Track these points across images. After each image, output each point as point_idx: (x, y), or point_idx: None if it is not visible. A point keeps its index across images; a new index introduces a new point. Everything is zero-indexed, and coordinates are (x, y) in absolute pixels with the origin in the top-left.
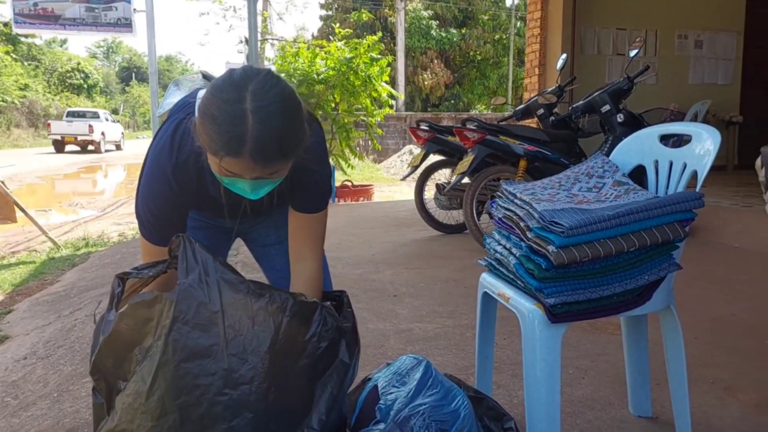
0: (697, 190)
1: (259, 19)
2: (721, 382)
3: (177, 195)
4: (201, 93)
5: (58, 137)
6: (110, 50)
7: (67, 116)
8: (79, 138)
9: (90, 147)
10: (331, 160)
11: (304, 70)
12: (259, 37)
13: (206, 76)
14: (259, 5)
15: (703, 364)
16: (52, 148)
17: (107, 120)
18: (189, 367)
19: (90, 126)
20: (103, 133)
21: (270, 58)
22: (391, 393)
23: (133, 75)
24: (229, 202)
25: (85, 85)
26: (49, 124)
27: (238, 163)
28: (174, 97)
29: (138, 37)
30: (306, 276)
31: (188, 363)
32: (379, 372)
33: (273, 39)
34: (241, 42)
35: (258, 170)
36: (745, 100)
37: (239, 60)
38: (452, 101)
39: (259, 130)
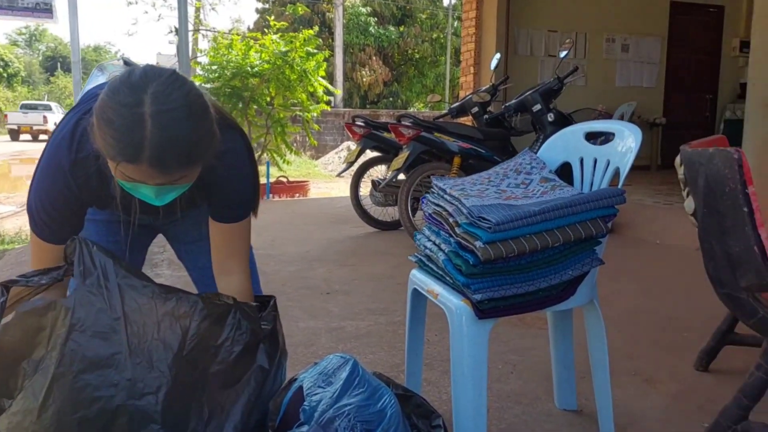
0: (620, 186)
1: (192, 9)
2: (642, 374)
3: (75, 194)
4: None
5: (15, 127)
6: (33, 38)
7: (21, 108)
8: (34, 128)
9: (42, 136)
10: (265, 155)
11: (238, 62)
12: (191, 28)
13: (128, 63)
14: None
15: (625, 357)
16: (8, 137)
17: (60, 112)
18: (88, 379)
19: (44, 117)
20: (56, 123)
21: (202, 50)
22: (316, 394)
23: (59, 65)
24: (141, 204)
25: (5, 74)
26: (6, 116)
27: (137, 170)
28: (96, 83)
29: (61, 25)
30: (233, 291)
31: (87, 374)
32: (305, 372)
33: (206, 30)
34: (171, 32)
35: (159, 177)
36: (668, 102)
37: (170, 51)
38: (390, 99)
39: (158, 136)
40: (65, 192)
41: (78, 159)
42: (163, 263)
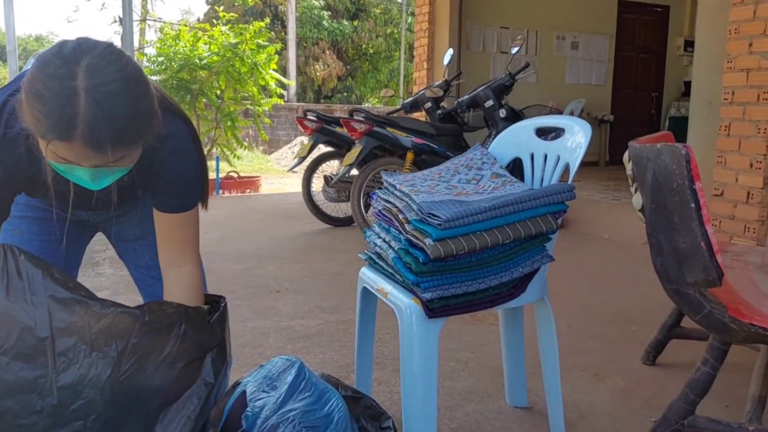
0: (570, 182)
1: None
2: (591, 369)
3: (2, 177)
4: None
5: None
6: None
7: None
8: None
9: None
10: (215, 150)
11: (186, 54)
12: (137, 18)
13: None
14: None
15: (575, 352)
16: None
17: None
18: (7, 405)
19: None
20: None
21: (149, 41)
22: (259, 399)
23: None
24: (76, 191)
25: None
26: None
27: (70, 149)
28: None
29: None
30: (184, 282)
31: (7, 400)
32: (249, 376)
33: (152, 20)
34: (115, 22)
35: (95, 157)
36: (615, 100)
37: (115, 41)
38: (345, 93)
39: (92, 112)
40: None
41: (5, 139)
42: (105, 262)
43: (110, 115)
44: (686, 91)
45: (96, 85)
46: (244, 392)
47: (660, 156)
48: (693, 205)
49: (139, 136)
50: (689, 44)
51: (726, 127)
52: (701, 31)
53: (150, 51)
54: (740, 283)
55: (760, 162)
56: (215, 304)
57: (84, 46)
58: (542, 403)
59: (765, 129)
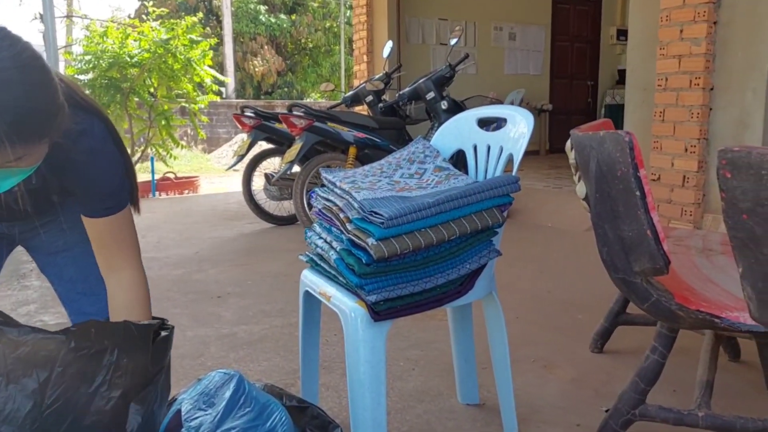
0: (514, 173)
1: None
2: (541, 360)
3: None
4: None
5: None
6: None
7: None
8: None
9: None
10: (149, 150)
11: (115, 51)
12: (61, 14)
13: None
14: None
15: (524, 343)
16: None
17: None
18: None
19: None
20: None
21: (76, 39)
22: (196, 418)
23: None
24: None
25: None
26: None
27: None
28: None
29: None
30: (125, 286)
31: None
32: (185, 392)
33: (78, 17)
34: (36, 19)
35: None
36: (553, 89)
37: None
38: (285, 89)
39: None
40: None
41: None
42: (32, 273)
43: (4, 106)
44: (620, 79)
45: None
46: (179, 411)
47: (603, 144)
48: (638, 193)
49: (41, 131)
50: (622, 33)
51: (660, 112)
52: (634, 19)
53: (77, 49)
54: (684, 268)
55: (695, 146)
56: (161, 326)
57: None
58: (494, 399)
59: (698, 114)
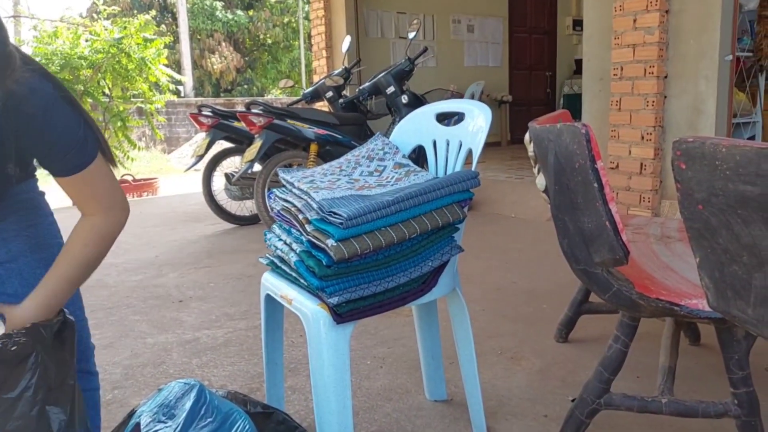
0: (473, 168)
1: None
2: (507, 352)
3: None
4: None
5: None
6: None
7: None
8: None
9: None
10: None
11: (66, 52)
12: (6, 14)
13: None
14: None
15: (491, 335)
16: None
17: None
18: None
19: None
20: None
21: (24, 40)
22: (156, 430)
23: None
24: None
25: None
26: None
27: None
28: None
29: None
30: (87, 227)
31: None
32: (144, 405)
33: (25, 17)
34: None
35: None
36: (512, 80)
37: None
38: (245, 86)
39: None
40: None
41: None
42: None
43: None
44: (577, 69)
45: None
46: (138, 424)
47: (561, 137)
48: (596, 184)
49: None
50: (578, 23)
51: (617, 101)
52: (588, 9)
53: (26, 50)
54: (643, 256)
55: (650, 134)
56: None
57: None
58: (462, 394)
59: (653, 102)
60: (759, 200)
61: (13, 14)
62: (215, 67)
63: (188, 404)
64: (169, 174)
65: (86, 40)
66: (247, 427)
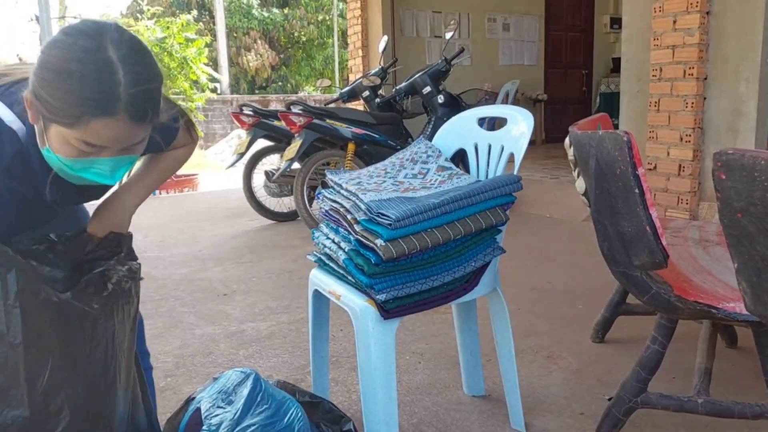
0: (515, 172)
1: None
2: (544, 351)
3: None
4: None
5: None
6: None
7: None
8: None
9: None
10: None
11: None
12: (57, 15)
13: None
14: None
15: (527, 334)
16: None
17: None
18: None
19: None
20: None
21: None
22: (216, 415)
23: None
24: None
25: None
26: None
27: (110, 126)
28: None
29: None
30: (175, 153)
31: None
32: (203, 391)
33: (71, 18)
34: (32, 20)
35: (133, 133)
36: (548, 79)
37: (33, 40)
38: (280, 83)
39: (131, 81)
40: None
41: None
42: None
43: (147, 83)
44: (615, 68)
45: (126, 55)
46: (198, 409)
47: (602, 143)
48: (637, 190)
49: (162, 104)
50: (615, 21)
51: (655, 102)
52: (628, 10)
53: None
54: (682, 260)
55: (689, 135)
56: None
57: (95, 23)
58: (499, 391)
59: (692, 103)
60: None
61: (60, 15)
62: (251, 64)
63: (245, 391)
64: (207, 169)
65: None
66: (299, 414)
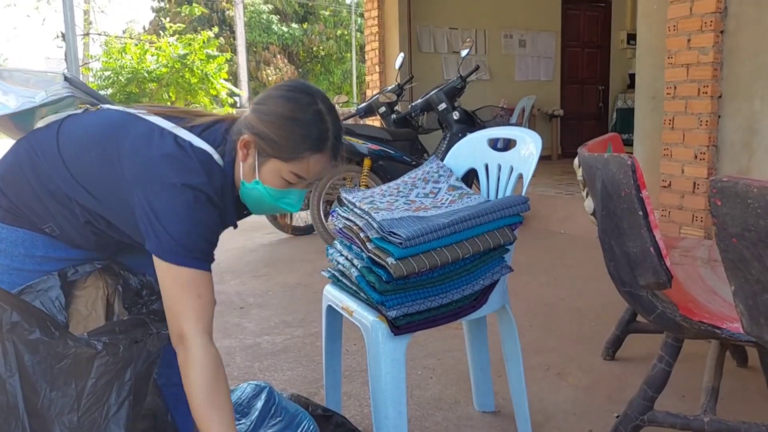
0: (524, 193)
1: (80, 11)
2: (554, 368)
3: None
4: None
5: None
6: None
7: None
8: None
9: None
10: None
11: (133, 67)
12: (81, 32)
13: (69, 79)
14: None
15: (538, 351)
16: None
17: None
18: None
19: None
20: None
21: (93, 55)
22: None
23: None
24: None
25: None
26: None
27: (320, 161)
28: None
29: None
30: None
31: None
32: None
33: (96, 34)
34: (58, 37)
35: (328, 168)
36: (564, 94)
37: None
38: None
39: (335, 126)
40: (216, 219)
41: (216, 187)
42: None
43: (340, 130)
44: (631, 84)
45: (330, 107)
46: None
47: (608, 166)
48: (641, 212)
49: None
50: (632, 37)
51: (670, 120)
52: (642, 29)
53: (95, 65)
54: (689, 279)
55: (704, 153)
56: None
57: (303, 82)
58: (509, 407)
59: (707, 121)
60: None
61: (86, 32)
62: (270, 78)
63: (259, 404)
64: None
65: (152, 56)
66: (311, 427)
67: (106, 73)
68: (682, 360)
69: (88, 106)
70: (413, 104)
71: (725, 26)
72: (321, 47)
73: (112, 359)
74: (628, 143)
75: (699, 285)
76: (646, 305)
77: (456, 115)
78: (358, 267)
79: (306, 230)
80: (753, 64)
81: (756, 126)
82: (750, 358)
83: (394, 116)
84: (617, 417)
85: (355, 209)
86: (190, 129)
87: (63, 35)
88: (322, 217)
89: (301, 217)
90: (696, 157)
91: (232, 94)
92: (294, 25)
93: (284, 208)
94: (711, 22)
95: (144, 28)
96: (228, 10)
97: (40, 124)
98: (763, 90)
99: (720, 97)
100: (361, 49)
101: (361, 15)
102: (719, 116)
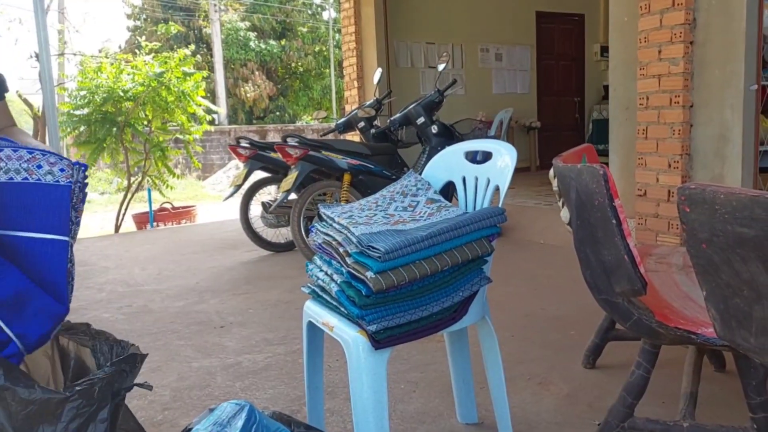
0: (501, 204)
1: (54, 31)
2: (536, 377)
3: None
4: None
5: None
6: None
7: None
8: None
9: None
10: (146, 182)
11: (109, 86)
12: (56, 51)
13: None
14: (51, 17)
15: (519, 361)
16: None
17: None
18: None
19: None
20: None
21: (68, 75)
22: None
23: None
24: None
25: None
26: None
27: None
28: None
29: None
30: None
31: None
32: (198, 423)
33: (71, 54)
34: (32, 57)
35: None
36: (541, 107)
37: (33, 76)
38: (277, 113)
39: None
40: None
41: None
42: None
43: None
44: (606, 95)
45: None
46: None
47: (581, 176)
48: (614, 221)
49: None
50: (605, 49)
51: (643, 130)
52: (614, 41)
53: (71, 85)
54: (665, 285)
55: (677, 162)
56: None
57: None
58: (492, 418)
59: (679, 130)
60: (754, 241)
61: (60, 52)
62: (248, 95)
63: (240, 423)
64: (204, 200)
65: (128, 75)
66: None
67: (82, 93)
68: (661, 366)
69: None
70: (392, 119)
71: (695, 37)
72: (299, 63)
73: (85, 402)
74: (605, 153)
75: (674, 291)
76: (622, 312)
77: (434, 129)
78: (338, 282)
79: (287, 246)
80: (723, 73)
81: (727, 134)
82: (728, 362)
83: (373, 131)
84: (598, 425)
85: (334, 224)
86: None
87: (37, 55)
88: (303, 233)
89: (282, 234)
90: (670, 165)
91: (209, 112)
92: (272, 42)
93: None
94: (681, 33)
95: (120, 47)
96: (205, 27)
97: None
98: (733, 98)
99: (692, 106)
100: (340, 64)
101: (339, 31)
102: (691, 125)
